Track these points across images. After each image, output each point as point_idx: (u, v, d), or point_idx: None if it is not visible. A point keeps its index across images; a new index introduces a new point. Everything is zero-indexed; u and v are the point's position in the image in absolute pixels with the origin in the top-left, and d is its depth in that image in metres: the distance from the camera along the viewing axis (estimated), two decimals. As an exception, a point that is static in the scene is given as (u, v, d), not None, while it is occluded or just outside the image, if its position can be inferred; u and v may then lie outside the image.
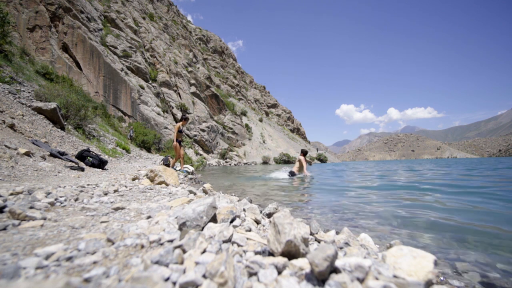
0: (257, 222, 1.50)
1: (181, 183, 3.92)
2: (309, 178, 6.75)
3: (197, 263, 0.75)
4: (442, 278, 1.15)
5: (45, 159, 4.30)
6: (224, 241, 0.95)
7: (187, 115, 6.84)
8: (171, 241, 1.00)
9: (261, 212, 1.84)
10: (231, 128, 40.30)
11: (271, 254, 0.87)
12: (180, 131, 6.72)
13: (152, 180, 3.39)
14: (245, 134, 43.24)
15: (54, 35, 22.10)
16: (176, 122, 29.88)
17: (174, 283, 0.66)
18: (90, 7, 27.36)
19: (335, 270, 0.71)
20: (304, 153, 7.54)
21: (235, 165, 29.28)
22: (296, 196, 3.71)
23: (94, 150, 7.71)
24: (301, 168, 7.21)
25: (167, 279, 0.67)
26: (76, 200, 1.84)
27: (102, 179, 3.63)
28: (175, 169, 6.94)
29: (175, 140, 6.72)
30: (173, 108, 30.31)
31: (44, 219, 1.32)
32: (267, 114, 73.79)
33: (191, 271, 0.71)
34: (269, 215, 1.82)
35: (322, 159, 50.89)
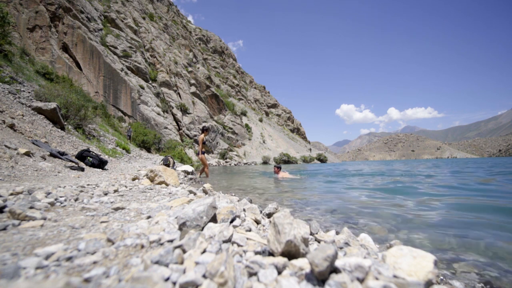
0: (257, 222, 1.50)
1: (181, 183, 3.92)
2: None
3: (197, 263, 0.75)
4: (442, 278, 1.15)
5: (45, 159, 4.30)
6: (224, 241, 0.95)
7: (207, 126, 7.14)
8: (171, 241, 1.00)
9: (261, 212, 1.83)
10: (231, 128, 40.31)
11: (271, 254, 0.87)
12: (204, 143, 7.00)
13: (152, 180, 3.39)
14: (245, 134, 43.24)
15: (54, 35, 22.11)
16: (176, 122, 29.89)
17: (174, 283, 0.66)
18: (90, 7, 27.36)
19: (335, 270, 0.70)
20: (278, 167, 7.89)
21: (235, 165, 29.29)
22: (296, 196, 3.71)
23: (94, 150, 7.71)
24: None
25: (167, 279, 0.67)
26: (76, 200, 1.84)
27: (102, 179, 3.63)
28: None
29: (201, 152, 6.97)
30: (173, 108, 30.33)
31: (44, 219, 1.31)
32: (267, 114, 73.79)
33: (191, 271, 0.71)
34: (269, 215, 1.82)
35: (322, 159, 50.89)
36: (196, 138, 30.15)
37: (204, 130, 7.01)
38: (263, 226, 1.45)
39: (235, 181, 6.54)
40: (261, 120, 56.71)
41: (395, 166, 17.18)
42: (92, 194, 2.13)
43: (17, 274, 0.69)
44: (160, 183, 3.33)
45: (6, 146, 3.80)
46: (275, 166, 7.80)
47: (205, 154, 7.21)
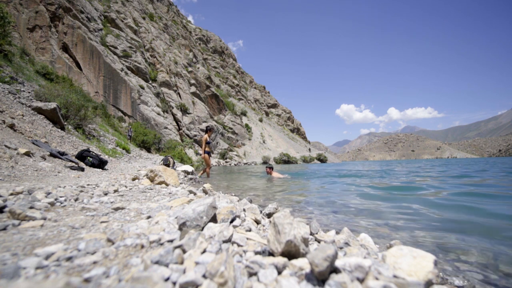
0: (257, 222, 1.50)
1: (181, 183, 3.92)
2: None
3: (197, 263, 0.75)
4: (442, 278, 1.15)
5: (45, 159, 4.30)
6: (224, 241, 0.95)
7: (211, 126, 7.10)
8: (171, 241, 1.00)
9: (261, 212, 1.83)
10: (231, 128, 40.31)
11: (271, 254, 0.87)
12: (208, 143, 6.98)
13: (152, 180, 3.39)
14: (245, 134, 43.24)
15: (54, 35, 22.11)
16: (176, 122, 29.88)
17: (174, 283, 0.66)
18: (90, 7, 27.36)
19: (335, 270, 0.70)
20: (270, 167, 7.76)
21: (235, 165, 29.28)
22: (296, 196, 3.71)
23: (94, 150, 7.71)
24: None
25: (167, 279, 0.67)
26: (76, 200, 1.84)
27: (102, 179, 3.63)
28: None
29: (203, 152, 6.96)
30: (173, 108, 30.32)
31: (44, 219, 1.31)
32: (267, 114, 73.79)
33: (191, 271, 0.71)
34: (269, 215, 1.82)
35: (322, 159, 50.89)
36: (196, 138, 30.14)
37: (208, 130, 6.96)
38: (263, 226, 1.45)
39: (235, 181, 6.54)
40: (261, 120, 56.71)
41: (398, 166, 17.18)
42: (92, 194, 2.13)
43: (17, 274, 0.69)
44: (160, 183, 3.33)
45: (6, 146, 3.80)
46: (267, 166, 7.65)
47: (209, 154, 7.16)
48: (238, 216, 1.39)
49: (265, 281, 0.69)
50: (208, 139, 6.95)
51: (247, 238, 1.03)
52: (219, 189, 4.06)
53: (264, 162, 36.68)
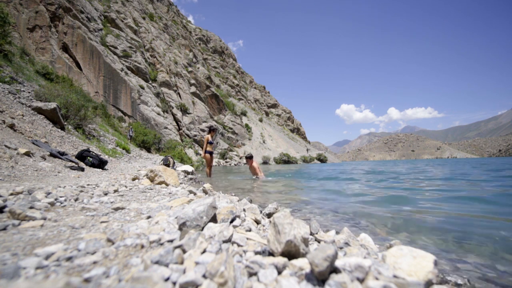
0: (257, 222, 1.50)
1: (181, 183, 3.91)
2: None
3: (197, 263, 0.75)
4: (442, 278, 1.15)
5: (45, 159, 4.30)
6: (224, 241, 0.95)
7: (214, 126, 7.16)
8: (171, 241, 1.00)
9: (261, 212, 1.83)
10: (231, 128, 40.31)
11: (271, 254, 0.87)
12: (210, 143, 7.04)
13: (152, 180, 3.39)
14: (245, 134, 43.23)
15: (54, 35, 22.10)
16: (176, 122, 29.88)
17: (174, 283, 0.66)
18: (90, 7, 27.37)
19: (335, 270, 0.70)
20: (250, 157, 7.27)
21: (235, 165, 29.28)
22: (296, 196, 3.71)
23: (94, 150, 7.71)
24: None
25: (167, 279, 0.67)
26: (76, 200, 1.84)
27: (102, 179, 3.63)
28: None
29: (204, 152, 7.06)
30: (173, 108, 30.32)
31: (44, 219, 1.31)
32: (267, 114, 73.79)
33: (191, 271, 0.71)
34: (269, 215, 1.82)
35: (322, 159, 50.90)
36: (196, 138, 30.14)
37: (211, 130, 7.07)
38: (263, 226, 1.45)
39: (235, 181, 6.54)
40: (261, 120, 56.71)
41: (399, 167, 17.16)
42: (92, 194, 2.13)
43: (17, 274, 0.69)
44: (160, 183, 3.33)
45: (6, 146, 3.80)
46: (246, 157, 7.17)
47: (211, 154, 7.23)
48: (238, 216, 1.39)
49: (265, 281, 0.69)
50: (210, 139, 7.02)
51: (247, 238, 1.03)
52: (219, 189, 4.06)
53: (264, 162, 36.68)
